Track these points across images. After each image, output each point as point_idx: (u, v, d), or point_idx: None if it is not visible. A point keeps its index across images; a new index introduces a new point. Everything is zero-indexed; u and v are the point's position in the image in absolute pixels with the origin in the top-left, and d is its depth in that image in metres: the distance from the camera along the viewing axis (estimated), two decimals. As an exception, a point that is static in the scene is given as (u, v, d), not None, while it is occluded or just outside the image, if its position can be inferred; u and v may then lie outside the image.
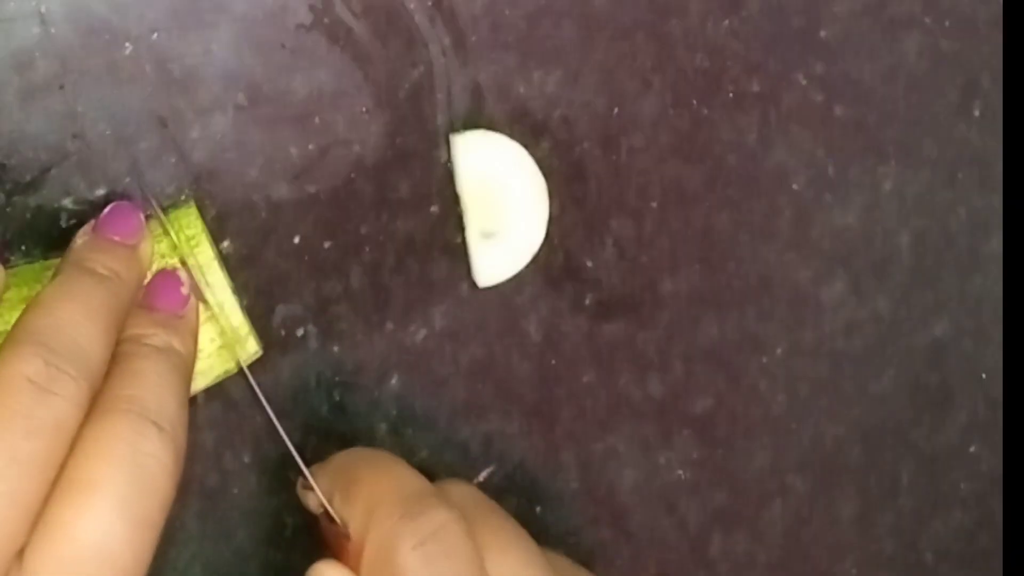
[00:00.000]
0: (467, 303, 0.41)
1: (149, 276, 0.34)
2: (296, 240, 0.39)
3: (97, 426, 0.28)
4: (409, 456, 0.42)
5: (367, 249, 0.40)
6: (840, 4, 0.45)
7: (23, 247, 0.36)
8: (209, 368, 0.36)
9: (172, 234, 0.35)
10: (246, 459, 0.39)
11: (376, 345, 0.41)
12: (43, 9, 0.35)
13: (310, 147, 0.39)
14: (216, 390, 0.38)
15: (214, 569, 0.39)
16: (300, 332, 0.40)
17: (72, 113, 0.36)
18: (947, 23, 0.47)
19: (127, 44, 0.36)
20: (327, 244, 0.40)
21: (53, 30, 0.35)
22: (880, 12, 0.46)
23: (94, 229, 0.33)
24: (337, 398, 0.40)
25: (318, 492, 0.33)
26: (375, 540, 0.30)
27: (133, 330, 0.32)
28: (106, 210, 0.34)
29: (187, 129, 0.37)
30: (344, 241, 0.40)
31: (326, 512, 0.33)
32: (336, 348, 0.40)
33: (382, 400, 0.41)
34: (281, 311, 0.39)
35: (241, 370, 0.36)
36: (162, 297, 0.34)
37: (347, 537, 0.32)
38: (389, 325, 0.41)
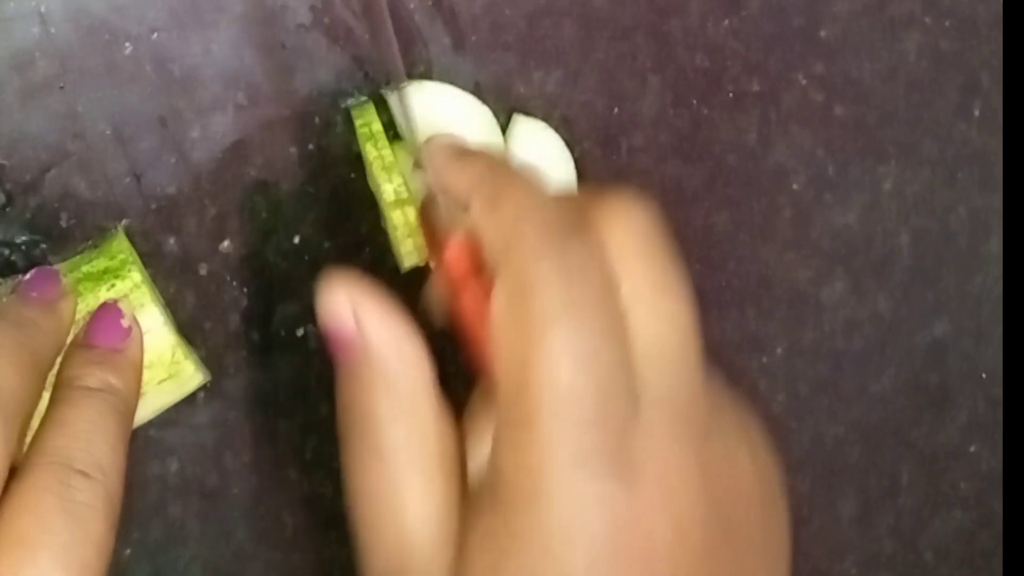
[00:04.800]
0: (467, 303, 0.41)
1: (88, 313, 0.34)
2: (296, 240, 0.39)
3: (26, 481, 0.28)
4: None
5: (367, 249, 0.40)
6: (840, 4, 0.45)
7: (23, 247, 0.36)
8: (149, 401, 0.35)
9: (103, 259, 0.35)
10: (246, 459, 0.39)
11: (376, 345, 0.41)
12: (43, 9, 0.35)
13: (310, 147, 0.39)
14: (217, 390, 0.38)
15: (214, 569, 0.39)
16: (300, 332, 0.40)
17: (72, 113, 0.36)
18: (947, 23, 0.47)
19: (127, 44, 0.36)
20: (327, 244, 0.40)
21: (53, 30, 0.35)
22: (880, 12, 0.46)
23: (14, 291, 0.33)
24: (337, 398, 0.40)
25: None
26: (519, 249, 0.27)
27: (67, 371, 0.32)
28: (27, 276, 0.33)
29: (187, 129, 0.37)
30: (344, 241, 0.40)
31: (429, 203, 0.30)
32: (336, 348, 0.40)
33: (382, 400, 0.41)
34: (281, 311, 0.39)
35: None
36: (101, 331, 0.33)
37: (443, 236, 0.29)
38: (389, 325, 0.41)
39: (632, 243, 0.29)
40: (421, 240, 0.38)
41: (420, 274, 0.40)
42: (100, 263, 0.35)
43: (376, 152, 0.37)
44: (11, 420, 0.28)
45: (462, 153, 0.32)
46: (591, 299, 0.27)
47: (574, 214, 0.29)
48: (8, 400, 0.28)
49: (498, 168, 0.31)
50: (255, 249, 0.39)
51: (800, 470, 0.48)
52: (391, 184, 0.37)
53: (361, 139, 0.38)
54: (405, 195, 0.37)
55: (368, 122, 0.38)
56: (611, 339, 0.27)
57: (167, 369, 0.35)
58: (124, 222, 0.37)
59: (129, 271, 0.34)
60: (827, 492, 0.49)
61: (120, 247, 0.35)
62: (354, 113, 0.38)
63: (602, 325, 0.27)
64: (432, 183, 0.32)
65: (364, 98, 0.39)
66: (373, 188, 0.38)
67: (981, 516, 0.52)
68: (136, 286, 0.34)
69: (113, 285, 0.34)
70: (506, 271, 0.28)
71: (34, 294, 0.33)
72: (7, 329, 0.30)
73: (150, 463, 0.39)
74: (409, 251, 0.38)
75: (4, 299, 0.33)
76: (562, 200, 0.29)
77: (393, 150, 0.37)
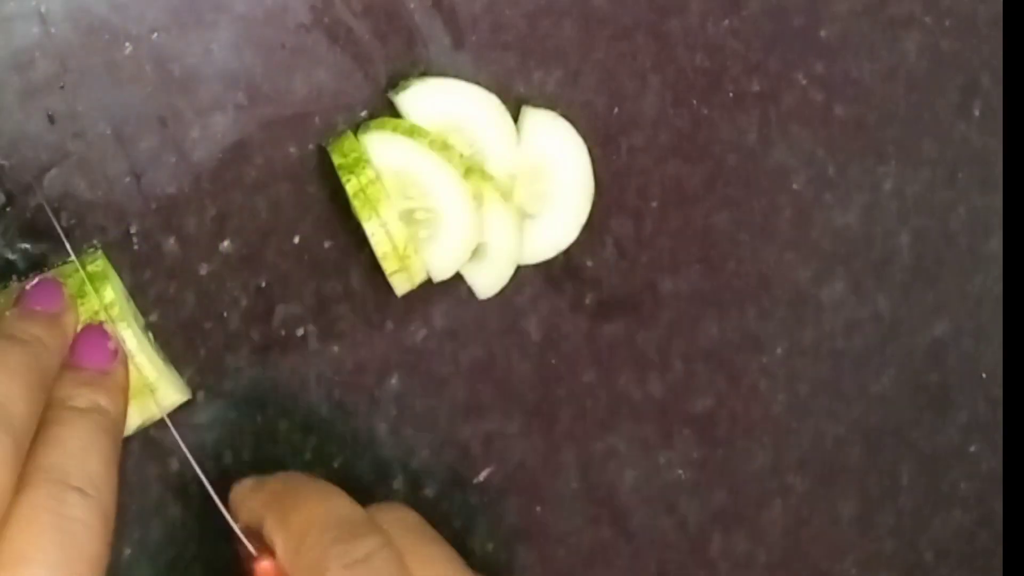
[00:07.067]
0: (467, 303, 0.41)
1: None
2: (296, 240, 0.39)
3: (22, 499, 0.28)
4: (409, 456, 0.42)
5: (367, 249, 0.40)
6: (840, 4, 0.45)
7: (23, 247, 0.36)
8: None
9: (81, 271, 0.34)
10: (246, 459, 0.39)
11: (376, 345, 0.41)
12: (43, 9, 0.35)
13: (310, 147, 0.39)
14: (217, 390, 0.38)
15: (214, 569, 0.39)
16: (300, 332, 0.40)
17: (72, 113, 0.36)
18: (947, 23, 0.47)
19: (127, 44, 0.36)
20: (327, 244, 0.40)
21: (53, 30, 0.35)
22: (880, 12, 0.46)
23: (17, 303, 0.33)
24: (337, 398, 0.40)
25: (225, 512, 0.34)
26: (305, 561, 0.30)
27: (57, 393, 0.32)
28: (30, 285, 0.33)
29: (187, 129, 0.37)
30: (344, 241, 0.40)
31: (242, 533, 0.33)
32: (336, 348, 0.40)
33: (382, 400, 0.41)
34: (281, 311, 0.39)
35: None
36: (88, 353, 0.33)
37: (254, 558, 0.32)
38: (389, 325, 0.41)
39: (405, 535, 0.33)
40: (411, 263, 0.38)
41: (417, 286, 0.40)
42: (79, 278, 0.34)
43: (358, 185, 0.37)
44: (20, 444, 0.28)
45: (257, 483, 0.35)
46: None
47: (359, 514, 0.32)
48: (19, 425, 0.29)
49: (291, 483, 0.34)
50: (255, 249, 0.39)
51: (800, 470, 0.48)
52: (378, 216, 0.37)
53: (341, 174, 0.37)
54: (391, 226, 0.37)
55: (346, 154, 0.37)
56: None
57: (143, 388, 0.35)
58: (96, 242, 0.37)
59: (103, 288, 0.34)
60: (827, 492, 0.49)
61: (96, 263, 0.35)
62: (331, 148, 0.38)
63: None
64: (236, 520, 0.34)
65: (343, 129, 0.38)
66: (359, 220, 0.38)
67: (981, 516, 0.52)
68: (111, 304, 0.34)
69: (83, 303, 0.34)
70: (299, 568, 0.31)
71: (38, 308, 0.33)
72: (15, 349, 0.31)
73: (150, 463, 0.39)
74: (401, 281, 0.38)
75: (8, 312, 0.33)
76: (348, 502, 0.33)
77: (376, 183, 0.37)
